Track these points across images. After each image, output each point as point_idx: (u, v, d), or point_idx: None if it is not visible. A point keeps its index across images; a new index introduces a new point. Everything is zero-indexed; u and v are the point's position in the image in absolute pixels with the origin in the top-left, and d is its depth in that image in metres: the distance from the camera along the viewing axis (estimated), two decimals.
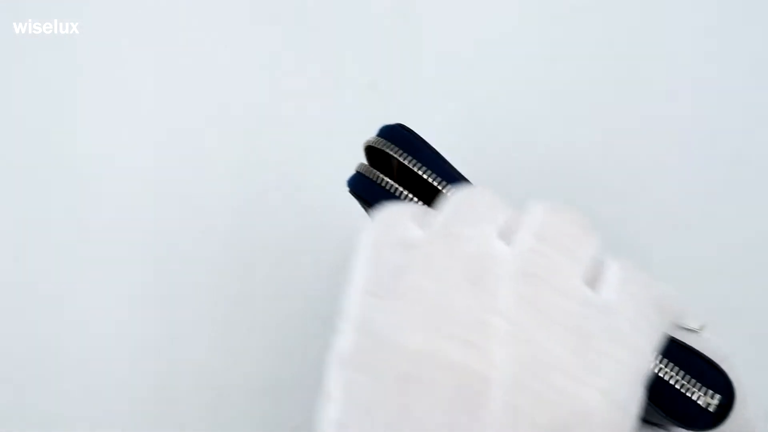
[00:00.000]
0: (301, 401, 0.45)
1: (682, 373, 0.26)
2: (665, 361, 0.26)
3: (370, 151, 0.34)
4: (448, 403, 0.22)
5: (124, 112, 0.48)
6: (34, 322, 0.47)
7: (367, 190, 0.33)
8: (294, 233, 0.47)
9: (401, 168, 0.33)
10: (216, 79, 0.48)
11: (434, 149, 0.33)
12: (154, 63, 0.48)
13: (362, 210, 0.35)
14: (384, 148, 0.33)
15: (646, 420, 0.28)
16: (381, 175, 0.33)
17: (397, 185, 0.32)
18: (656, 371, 0.26)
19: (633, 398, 0.23)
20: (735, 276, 0.47)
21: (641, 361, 0.23)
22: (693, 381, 0.26)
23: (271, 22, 0.48)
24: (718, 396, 0.26)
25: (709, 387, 0.26)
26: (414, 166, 0.32)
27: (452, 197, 0.27)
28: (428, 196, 0.31)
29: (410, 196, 0.32)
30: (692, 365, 0.26)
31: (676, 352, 0.26)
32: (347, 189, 0.34)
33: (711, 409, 0.26)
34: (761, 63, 0.47)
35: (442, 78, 0.47)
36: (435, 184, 0.32)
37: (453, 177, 0.32)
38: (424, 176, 0.32)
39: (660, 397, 0.26)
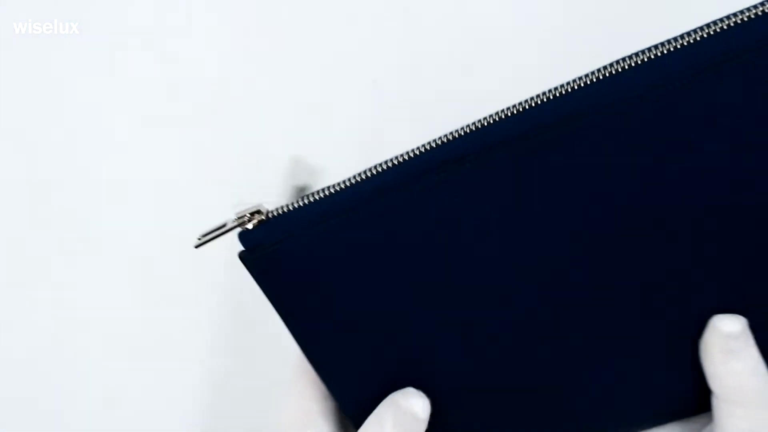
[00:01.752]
0: None
1: None
2: None
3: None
4: None
5: (125, 112, 0.48)
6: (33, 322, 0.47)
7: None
8: None
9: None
10: (215, 79, 0.48)
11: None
12: (154, 63, 0.48)
13: None
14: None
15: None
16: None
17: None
18: None
19: None
20: None
21: None
22: None
23: (271, 22, 0.48)
24: None
25: None
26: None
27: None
28: None
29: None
30: None
31: None
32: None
33: None
34: None
35: (442, 77, 0.47)
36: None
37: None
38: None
39: None
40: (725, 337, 0.27)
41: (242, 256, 0.28)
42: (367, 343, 0.28)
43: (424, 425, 0.29)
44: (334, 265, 0.27)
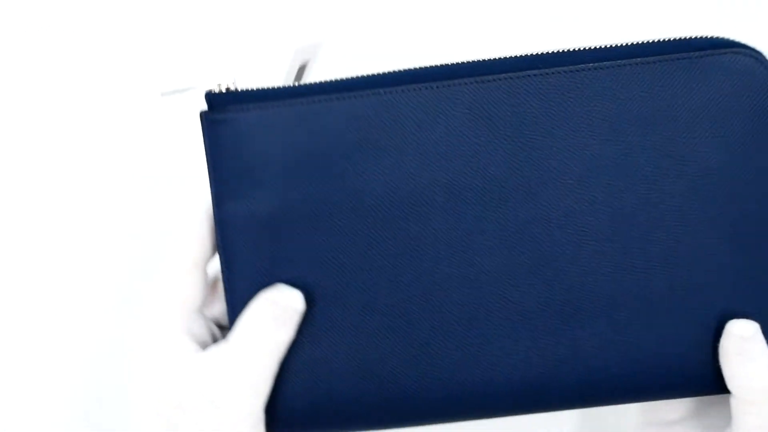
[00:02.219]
0: None
1: None
2: None
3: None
4: None
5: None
6: None
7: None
8: None
9: None
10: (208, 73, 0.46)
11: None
12: (143, 61, 0.46)
13: None
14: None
15: None
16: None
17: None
18: None
19: None
20: None
21: None
22: None
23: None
24: None
25: None
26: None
27: None
28: None
29: None
30: None
31: None
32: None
33: None
34: None
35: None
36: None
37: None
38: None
39: None
40: (739, 340, 0.30)
41: (202, 114, 0.31)
42: (278, 230, 0.31)
43: (301, 317, 0.31)
44: (280, 144, 0.30)
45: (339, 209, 0.30)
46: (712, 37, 0.30)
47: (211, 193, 0.31)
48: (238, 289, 0.31)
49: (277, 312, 0.30)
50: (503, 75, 0.30)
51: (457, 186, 0.30)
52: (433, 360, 0.31)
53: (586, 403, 0.31)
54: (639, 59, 0.30)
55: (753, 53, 0.30)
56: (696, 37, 0.30)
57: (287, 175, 0.30)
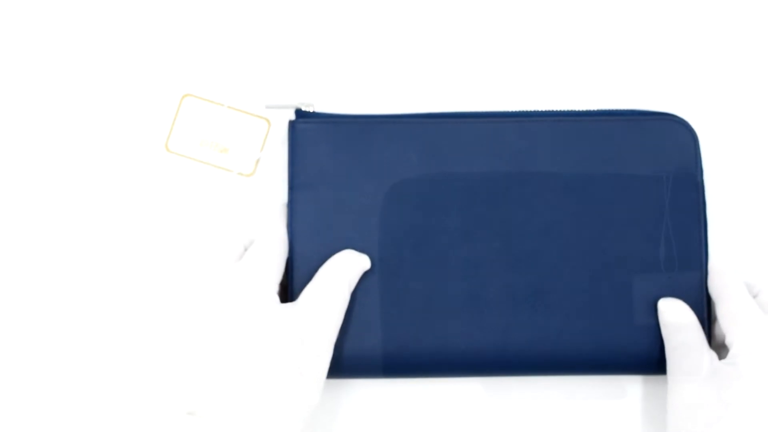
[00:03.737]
0: None
1: None
2: None
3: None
4: None
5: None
6: None
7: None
8: None
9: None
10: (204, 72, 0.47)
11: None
12: (138, 61, 0.47)
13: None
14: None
15: None
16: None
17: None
18: None
19: None
20: None
21: None
22: None
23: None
24: None
25: None
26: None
27: None
28: None
29: None
30: None
31: None
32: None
33: None
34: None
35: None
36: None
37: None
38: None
39: None
40: (668, 312, 0.39)
41: (290, 122, 0.42)
42: (332, 212, 0.41)
43: (360, 272, 0.40)
44: (341, 150, 0.41)
45: (380, 200, 0.41)
46: (657, 111, 0.43)
47: (288, 181, 0.41)
48: (298, 253, 0.41)
49: (350, 266, 0.39)
50: (512, 118, 0.42)
51: (469, 193, 0.41)
52: (442, 323, 0.40)
53: (550, 372, 0.41)
54: (607, 117, 0.42)
55: (681, 120, 0.42)
56: (647, 110, 0.43)
57: (344, 172, 0.41)
